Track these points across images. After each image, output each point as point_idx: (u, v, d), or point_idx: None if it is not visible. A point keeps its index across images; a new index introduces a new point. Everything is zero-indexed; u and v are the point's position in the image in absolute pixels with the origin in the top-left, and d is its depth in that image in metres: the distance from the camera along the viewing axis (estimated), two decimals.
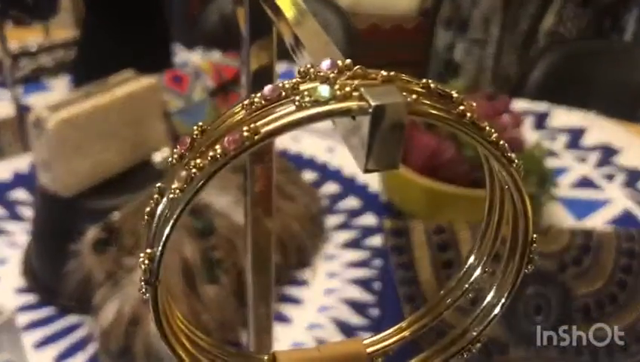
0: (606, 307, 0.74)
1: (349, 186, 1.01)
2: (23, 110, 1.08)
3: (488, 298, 0.24)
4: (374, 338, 0.25)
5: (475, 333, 0.24)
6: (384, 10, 2.35)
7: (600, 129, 1.19)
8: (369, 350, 0.24)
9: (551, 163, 0.98)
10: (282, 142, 1.09)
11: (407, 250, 0.75)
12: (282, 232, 0.82)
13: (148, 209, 0.20)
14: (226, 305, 0.70)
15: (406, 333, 0.25)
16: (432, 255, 0.74)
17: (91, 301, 0.69)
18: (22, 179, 0.98)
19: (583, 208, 0.98)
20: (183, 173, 0.18)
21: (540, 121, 1.21)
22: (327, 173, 1.05)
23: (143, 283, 0.20)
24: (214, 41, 1.43)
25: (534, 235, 0.22)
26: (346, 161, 1.07)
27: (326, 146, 1.11)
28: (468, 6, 2.06)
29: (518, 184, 0.21)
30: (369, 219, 0.94)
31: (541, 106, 1.24)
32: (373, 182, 1.01)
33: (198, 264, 0.71)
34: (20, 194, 0.95)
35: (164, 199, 0.19)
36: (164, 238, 0.19)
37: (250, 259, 0.41)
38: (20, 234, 0.87)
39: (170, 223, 0.19)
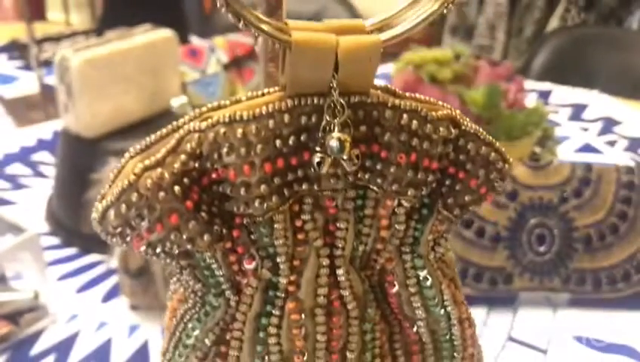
0: (607, 237, 0.76)
1: None
2: (45, 88, 1.14)
3: None
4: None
5: None
6: None
7: (602, 105, 1.22)
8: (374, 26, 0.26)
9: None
10: None
11: None
12: None
13: None
14: None
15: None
16: None
17: None
18: (45, 144, 1.02)
19: None
20: None
21: (544, 97, 1.24)
22: None
23: None
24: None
25: None
26: None
27: None
28: (474, 13, 2.11)
29: None
30: None
31: (545, 85, 1.28)
32: None
33: None
34: (43, 156, 0.99)
35: None
36: None
37: None
38: (43, 188, 0.91)
39: None
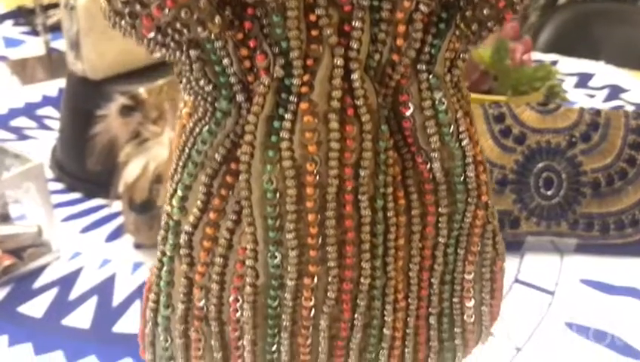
0: (616, 182, 0.75)
1: None
2: (51, 51, 1.15)
3: None
4: None
5: None
6: None
7: (608, 74, 1.22)
8: None
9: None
10: None
11: None
12: None
13: None
14: None
15: None
16: None
17: (116, 164, 0.71)
18: (50, 100, 1.02)
19: None
20: None
21: None
22: None
23: None
24: None
25: None
26: None
27: None
28: None
29: None
30: None
31: (551, 56, 1.28)
32: None
33: None
34: (48, 111, 0.99)
35: None
36: None
37: None
38: (48, 140, 0.91)
39: None
